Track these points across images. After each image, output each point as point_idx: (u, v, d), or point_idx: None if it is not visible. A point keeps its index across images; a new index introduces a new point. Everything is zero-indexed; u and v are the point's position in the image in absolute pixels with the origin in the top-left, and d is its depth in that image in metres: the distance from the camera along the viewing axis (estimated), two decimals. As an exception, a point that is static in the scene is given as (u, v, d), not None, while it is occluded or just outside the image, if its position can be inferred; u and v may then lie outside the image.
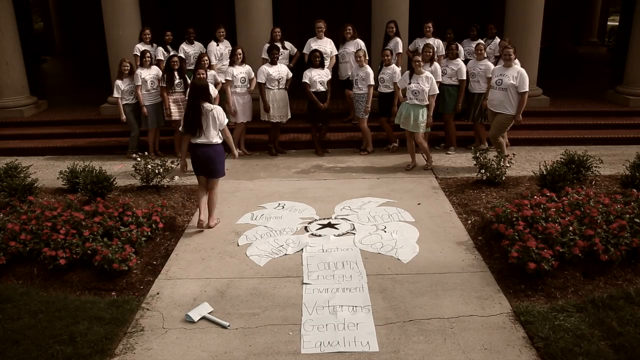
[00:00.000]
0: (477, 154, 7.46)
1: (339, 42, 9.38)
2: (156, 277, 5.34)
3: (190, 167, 7.88)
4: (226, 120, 6.19)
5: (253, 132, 9.44)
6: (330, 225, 6.38)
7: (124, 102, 8.71)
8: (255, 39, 9.62)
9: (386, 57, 8.60)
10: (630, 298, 4.68)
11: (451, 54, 8.75)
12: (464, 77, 8.65)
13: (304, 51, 9.25)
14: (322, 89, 8.63)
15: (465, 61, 8.91)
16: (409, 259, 5.56)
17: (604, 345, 4.12)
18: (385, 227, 6.26)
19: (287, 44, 9.37)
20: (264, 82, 8.53)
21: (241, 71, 8.40)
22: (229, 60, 8.84)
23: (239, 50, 8.52)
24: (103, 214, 5.92)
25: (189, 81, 8.29)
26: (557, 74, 13.87)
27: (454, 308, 4.69)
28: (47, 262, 5.29)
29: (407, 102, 7.97)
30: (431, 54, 8.47)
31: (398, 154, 9.00)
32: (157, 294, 5.04)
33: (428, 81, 7.82)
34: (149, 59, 8.65)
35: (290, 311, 4.70)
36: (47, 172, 8.53)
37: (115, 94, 8.69)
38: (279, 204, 7.04)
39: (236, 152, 6.61)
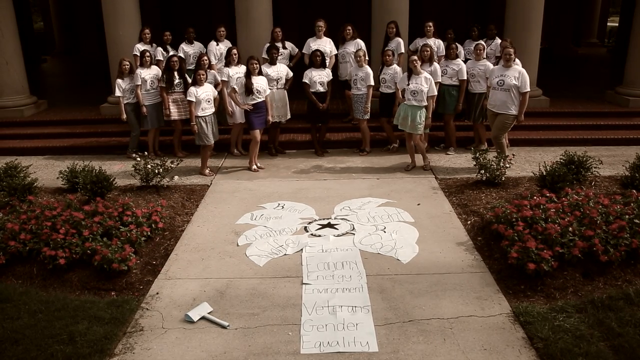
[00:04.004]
0: (477, 155, 7.46)
1: (339, 42, 9.37)
2: (156, 277, 5.34)
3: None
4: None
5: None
6: (329, 225, 6.38)
7: (126, 101, 8.70)
8: (256, 39, 9.61)
9: (387, 58, 8.59)
10: (630, 299, 4.68)
11: (451, 54, 8.74)
12: (465, 77, 8.64)
13: (304, 51, 9.24)
14: (321, 89, 8.62)
15: (465, 61, 8.91)
16: (408, 259, 5.56)
17: (604, 346, 4.12)
18: (385, 228, 6.26)
19: (288, 44, 9.36)
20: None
21: (237, 71, 8.37)
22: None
23: (234, 51, 8.47)
24: (103, 213, 5.92)
25: (189, 81, 8.29)
26: (557, 75, 13.88)
27: (454, 308, 4.69)
28: (47, 262, 5.30)
29: (405, 103, 7.97)
30: (429, 53, 8.46)
31: (398, 154, 9.00)
32: (157, 293, 5.04)
33: (427, 82, 7.82)
34: (149, 58, 8.64)
35: (289, 311, 4.70)
36: (46, 171, 8.53)
37: (117, 93, 8.68)
38: (279, 204, 7.04)
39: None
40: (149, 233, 5.87)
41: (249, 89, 7.96)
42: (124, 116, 8.76)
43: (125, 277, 5.27)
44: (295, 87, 9.04)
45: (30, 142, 9.74)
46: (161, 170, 7.38)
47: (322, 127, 9.02)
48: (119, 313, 4.66)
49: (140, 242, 5.69)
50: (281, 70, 8.62)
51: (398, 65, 8.81)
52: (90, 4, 16.30)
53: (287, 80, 8.74)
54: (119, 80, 8.66)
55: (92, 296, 5.05)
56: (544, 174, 6.83)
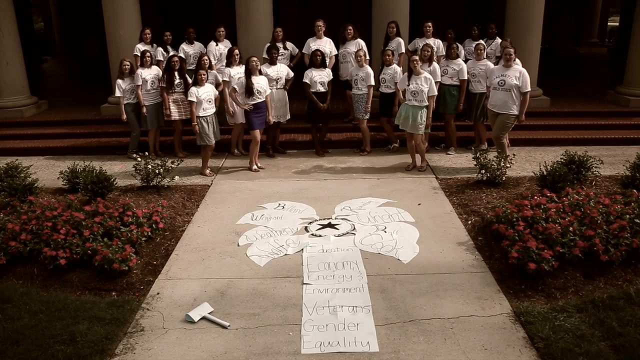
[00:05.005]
0: (478, 155, 7.46)
1: (339, 42, 9.37)
2: (156, 277, 5.34)
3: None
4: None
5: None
6: (330, 225, 6.38)
7: (126, 102, 8.70)
8: (256, 39, 9.61)
9: (387, 57, 8.59)
10: (631, 298, 4.68)
11: (452, 54, 8.74)
12: (465, 77, 8.64)
13: (304, 51, 9.24)
14: (322, 89, 8.62)
15: (465, 61, 8.91)
16: (409, 259, 5.56)
17: (604, 346, 4.12)
18: (386, 228, 6.26)
19: (289, 44, 9.36)
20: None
21: (238, 72, 8.37)
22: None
23: (236, 51, 8.49)
24: (103, 214, 5.92)
25: (189, 81, 8.30)
26: (557, 75, 13.87)
27: (454, 308, 4.69)
28: (48, 262, 5.30)
29: (406, 103, 7.97)
30: (429, 53, 8.46)
31: (398, 154, 9.00)
32: (158, 294, 5.04)
33: (427, 82, 7.81)
34: (149, 58, 8.64)
35: (290, 311, 4.70)
36: (47, 172, 8.53)
37: (117, 93, 8.68)
38: (279, 204, 7.04)
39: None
40: (149, 233, 5.87)
41: (249, 89, 7.96)
42: (124, 116, 8.76)
43: (126, 277, 5.27)
44: (296, 87, 9.04)
45: (31, 143, 9.75)
46: (162, 170, 7.38)
47: (323, 127, 9.01)
48: (119, 313, 4.67)
49: (141, 243, 5.69)
50: (281, 70, 8.61)
51: (398, 65, 8.81)
52: (90, 4, 16.29)
53: (287, 80, 8.73)
54: (119, 81, 8.66)
55: (92, 296, 5.05)
56: (545, 173, 6.83)
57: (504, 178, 7.35)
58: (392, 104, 8.65)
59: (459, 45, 9.03)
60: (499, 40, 9.43)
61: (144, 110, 8.64)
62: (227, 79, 8.42)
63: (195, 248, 5.92)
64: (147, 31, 9.32)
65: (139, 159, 7.50)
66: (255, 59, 8.02)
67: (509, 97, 7.69)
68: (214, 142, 8.11)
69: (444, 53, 9.11)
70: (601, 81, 13.06)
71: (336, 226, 6.35)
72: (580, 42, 20.29)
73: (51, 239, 5.44)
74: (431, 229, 6.24)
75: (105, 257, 5.19)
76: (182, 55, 9.12)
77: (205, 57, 8.46)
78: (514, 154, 8.15)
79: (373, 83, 8.60)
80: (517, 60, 7.94)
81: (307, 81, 8.60)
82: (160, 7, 16.08)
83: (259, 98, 8.04)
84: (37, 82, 13.34)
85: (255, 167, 8.33)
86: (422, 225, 6.33)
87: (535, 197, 6.15)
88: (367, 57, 8.95)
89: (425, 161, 8.28)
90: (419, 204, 6.93)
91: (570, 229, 5.29)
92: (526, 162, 8.46)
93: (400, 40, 9.20)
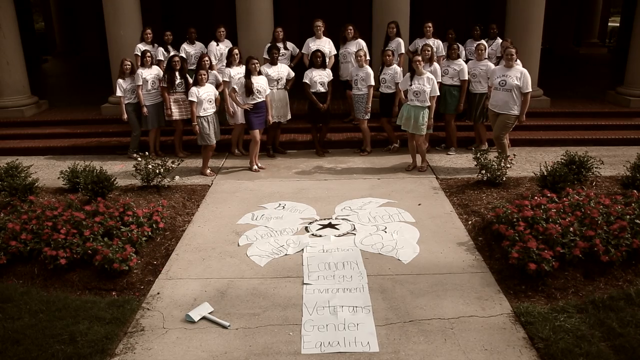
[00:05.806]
0: (478, 155, 7.46)
1: (340, 42, 9.37)
2: (157, 277, 5.34)
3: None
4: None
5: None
6: (330, 225, 6.38)
7: (126, 101, 8.70)
8: (257, 39, 9.61)
9: (387, 58, 8.59)
10: (631, 299, 4.68)
11: (453, 55, 8.74)
12: (466, 78, 8.64)
13: (303, 51, 9.24)
14: (322, 89, 8.62)
15: (466, 61, 8.91)
16: (409, 259, 5.56)
17: (605, 346, 4.12)
18: (386, 228, 6.26)
19: (289, 45, 9.36)
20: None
21: (238, 72, 8.37)
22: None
23: (236, 51, 8.48)
24: (104, 213, 5.92)
25: (190, 81, 8.30)
26: (557, 75, 13.87)
27: (455, 308, 4.69)
28: (48, 262, 5.30)
29: (408, 103, 7.97)
30: (429, 53, 8.46)
31: (398, 154, 9.00)
32: (158, 293, 5.05)
33: (429, 82, 7.82)
34: (150, 58, 8.65)
35: (290, 311, 4.70)
36: (47, 172, 8.53)
37: (118, 93, 8.68)
38: (280, 204, 7.04)
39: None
40: (149, 233, 5.87)
41: (249, 89, 7.96)
42: (125, 116, 8.76)
43: (126, 277, 5.27)
44: (296, 88, 9.04)
45: (31, 142, 9.75)
46: (162, 170, 7.39)
47: (323, 127, 9.01)
48: (119, 313, 4.67)
49: (141, 242, 5.69)
50: (282, 70, 8.61)
51: (398, 65, 8.81)
52: (91, 3, 16.31)
53: (288, 80, 8.73)
54: (120, 80, 8.67)
55: (93, 296, 5.06)
56: (545, 174, 6.83)
57: (504, 178, 7.35)
58: (393, 104, 8.65)
59: (460, 45, 9.03)
60: (499, 40, 9.43)
61: (145, 110, 8.65)
62: (227, 79, 8.42)
63: (196, 248, 5.92)
64: (148, 31, 9.32)
65: (140, 159, 7.50)
66: (255, 59, 8.01)
67: (510, 97, 7.69)
68: (214, 142, 8.12)
69: (444, 53, 9.11)
70: (601, 81, 13.06)
71: (336, 226, 6.35)
72: (581, 42, 20.29)
73: (51, 239, 5.44)
74: (431, 229, 6.25)
75: (105, 257, 5.19)
76: (183, 55, 9.12)
77: (206, 58, 8.46)
78: (514, 154, 8.15)
79: (373, 83, 8.60)
80: (518, 61, 7.94)
81: (307, 81, 8.60)
82: (161, 7, 16.08)
83: (258, 98, 8.04)
84: (38, 82, 13.35)
85: (255, 167, 8.33)
86: (423, 225, 6.33)
87: (536, 198, 6.14)
88: (368, 57, 8.95)
89: (425, 161, 8.29)
90: (419, 204, 6.93)
91: (571, 229, 5.29)
92: (526, 163, 8.46)
93: (400, 40, 9.20)
